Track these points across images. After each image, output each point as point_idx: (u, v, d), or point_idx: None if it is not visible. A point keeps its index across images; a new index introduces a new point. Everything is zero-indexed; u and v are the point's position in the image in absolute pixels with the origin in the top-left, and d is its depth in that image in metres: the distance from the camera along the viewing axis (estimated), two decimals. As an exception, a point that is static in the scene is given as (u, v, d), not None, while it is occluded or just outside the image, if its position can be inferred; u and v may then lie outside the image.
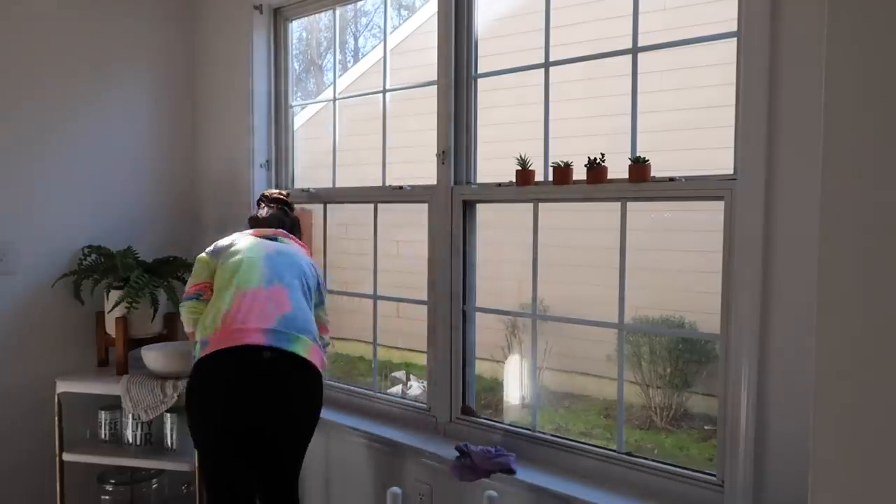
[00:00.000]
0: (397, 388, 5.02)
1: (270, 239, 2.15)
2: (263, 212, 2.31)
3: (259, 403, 1.85)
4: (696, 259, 3.89)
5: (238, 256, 2.02)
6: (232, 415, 1.87)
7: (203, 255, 2.12)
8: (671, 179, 1.79)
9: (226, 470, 1.90)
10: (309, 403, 1.93)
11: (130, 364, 2.50)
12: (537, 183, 2.06)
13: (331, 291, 2.58)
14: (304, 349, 1.85)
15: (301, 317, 1.92)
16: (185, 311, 2.05)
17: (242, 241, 2.11)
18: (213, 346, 1.84)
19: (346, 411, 2.52)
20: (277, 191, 2.42)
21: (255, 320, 1.84)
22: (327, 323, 2.18)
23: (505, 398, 4.75)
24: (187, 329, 2.07)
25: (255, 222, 2.28)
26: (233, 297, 1.90)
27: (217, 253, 2.09)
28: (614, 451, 1.95)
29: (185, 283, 2.68)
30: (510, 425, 2.21)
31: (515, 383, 4.91)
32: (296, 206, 2.46)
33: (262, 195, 2.40)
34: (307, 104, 3.95)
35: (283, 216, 2.32)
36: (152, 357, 2.38)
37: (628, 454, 1.93)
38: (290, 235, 2.25)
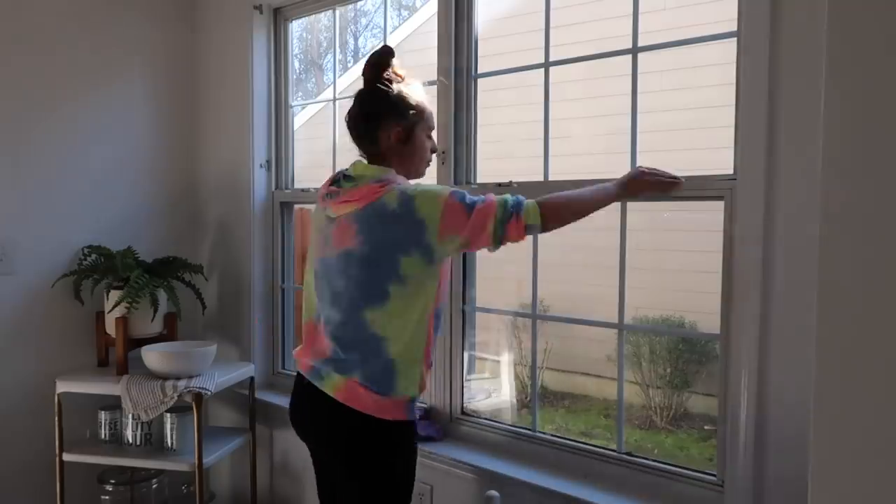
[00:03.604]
0: (397, 388, 5.01)
1: (329, 196, 1.69)
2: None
3: (303, 424, 1.83)
4: (696, 259, 3.89)
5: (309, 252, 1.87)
6: (296, 426, 1.86)
7: None
8: (671, 179, 1.79)
9: (316, 475, 1.90)
10: (336, 443, 1.71)
11: (130, 364, 2.49)
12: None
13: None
14: (332, 387, 1.69)
15: (341, 354, 1.69)
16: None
17: (313, 217, 1.86)
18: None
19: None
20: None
21: (306, 353, 1.80)
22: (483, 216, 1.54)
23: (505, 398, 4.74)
24: None
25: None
26: (303, 324, 1.85)
27: None
28: (614, 451, 1.95)
29: (185, 283, 2.70)
30: (510, 425, 2.21)
31: (515, 383, 4.90)
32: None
33: None
34: (307, 104, 3.95)
35: (358, 116, 1.68)
36: (152, 357, 2.38)
37: (628, 454, 1.93)
38: (363, 159, 1.69)
